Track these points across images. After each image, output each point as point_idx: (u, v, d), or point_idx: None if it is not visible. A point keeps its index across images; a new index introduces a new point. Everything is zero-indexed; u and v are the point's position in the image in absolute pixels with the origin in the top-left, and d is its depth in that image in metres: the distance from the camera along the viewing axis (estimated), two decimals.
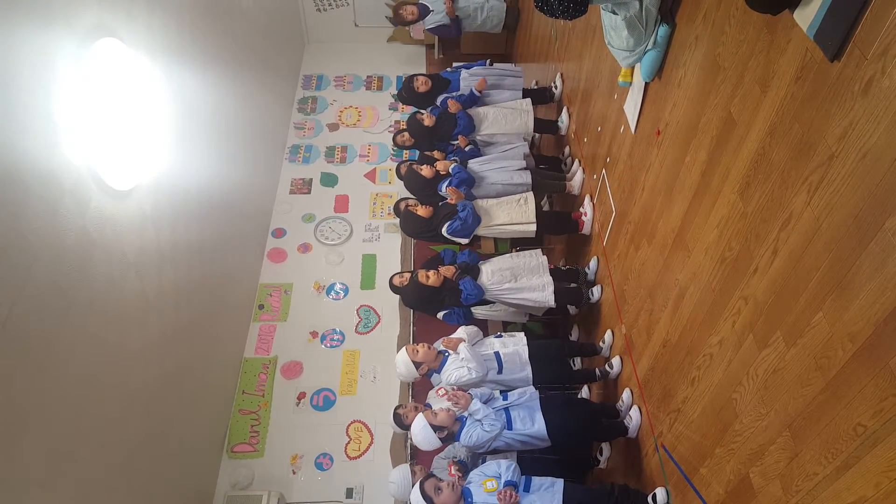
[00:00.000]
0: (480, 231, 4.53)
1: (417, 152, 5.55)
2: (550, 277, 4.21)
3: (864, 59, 1.74)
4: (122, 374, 3.52)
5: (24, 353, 2.67)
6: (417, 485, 3.21)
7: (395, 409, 3.94)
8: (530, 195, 4.56)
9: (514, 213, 4.49)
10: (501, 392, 3.67)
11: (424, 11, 6.45)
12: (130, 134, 3.57)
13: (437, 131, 5.13)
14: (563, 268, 4.58)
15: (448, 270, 4.26)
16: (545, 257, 4.37)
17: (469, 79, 5.36)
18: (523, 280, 4.20)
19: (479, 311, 4.50)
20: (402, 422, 3.85)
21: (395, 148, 5.71)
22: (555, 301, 4.17)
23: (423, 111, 5.27)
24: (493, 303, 4.34)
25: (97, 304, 3.23)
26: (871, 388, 1.76)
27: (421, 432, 3.45)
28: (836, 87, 1.87)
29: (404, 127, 5.50)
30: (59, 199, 2.88)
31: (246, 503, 4.73)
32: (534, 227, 4.46)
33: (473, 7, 6.58)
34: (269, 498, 4.69)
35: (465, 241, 4.55)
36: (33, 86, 2.70)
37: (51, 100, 2.81)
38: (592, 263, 4.36)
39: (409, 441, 5.06)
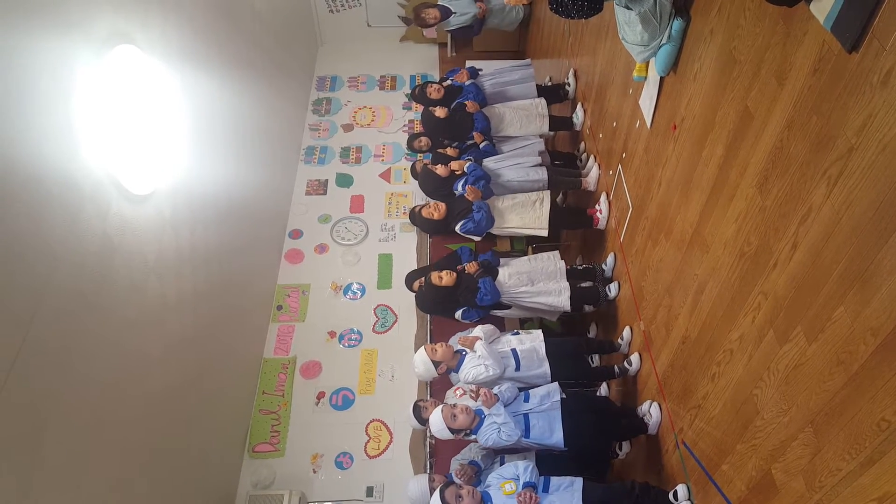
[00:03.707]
0: (493, 230, 4.55)
1: (431, 155, 5.56)
2: (567, 283, 4.21)
3: (883, 50, 1.72)
4: (144, 377, 3.56)
5: (47, 357, 2.71)
6: (437, 492, 3.22)
7: (416, 401, 3.96)
8: (546, 196, 4.55)
9: (527, 217, 4.49)
10: (521, 390, 3.67)
11: (446, 14, 6.42)
12: (148, 139, 3.61)
13: (451, 125, 5.13)
14: (578, 267, 4.57)
15: (471, 266, 4.29)
16: (563, 262, 4.37)
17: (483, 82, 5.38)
18: (540, 284, 4.21)
19: (496, 311, 4.50)
20: (420, 414, 3.87)
21: (410, 151, 5.72)
22: (571, 305, 4.17)
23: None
24: (509, 307, 4.34)
25: (118, 308, 3.27)
26: (894, 382, 1.73)
27: (440, 432, 3.47)
28: (855, 78, 1.85)
29: (419, 131, 5.51)
30: (80, 204, 2.92)
31: (268, 502, 4.77)
32: (545, 233, 4.50)
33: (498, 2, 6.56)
34: (290, 497, 4.72)
35: (477, 238, 4.58)
36: (53, 93, 2.74)
37: (70, 107, 2.85)
38: (609, 260, 4.34)
39: (427, 440, 5.07)
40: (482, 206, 4.41)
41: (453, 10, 6.40)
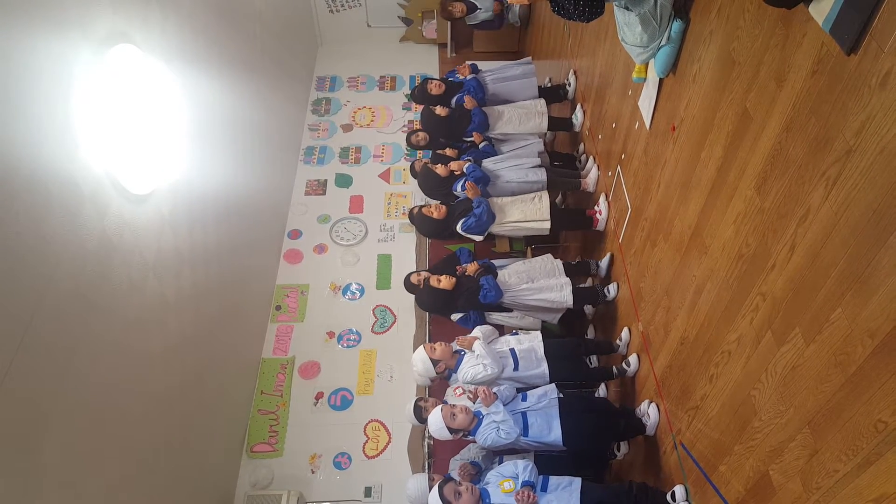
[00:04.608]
0: (494, 228, 4.53)
1: (431, 152, 5.57)
2: (567, 279, 4.21)
3: (882, 52, 1.72)
4: (143, 377, 3.56)
5: (47, 356, 2.71)
6: (436, 488, 3.22)
7: (417, 400, 3.96)
8: (545, 193, 4.56)
9: (528, 210, 4.49)
10: (519, 391, 3.67)
11: (472, 8, 6.52)
12: (147, 138, 3.61)
13: (451, 123, 5.13)
14: (573, 263, 4.57)
15: (472, 267, 4.28)
16: (559, 260, 4.38)
17: (485, 77, 5.39)
18: (541, 281, 4.21)
19: (494, 317, 4.48)
20: (420, 414, 3.87)
21: (409, 148, 5.72)
22: (573, 301, 4.17)
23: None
24: (510, 310, 4.34)
25: (118, 308, 3.27)
26: (891, 384, 1.74)
27: (438, 432, 3.47)
28: (853, 80, 1.85)
29: (418, 127, 5.51)
30: (80, 204, 2.91)
31: (266, 503, 4.77)
32: (548, 225, 4.46)
33: None
34: (288, 497, 4.72)
35: (479, 238, 4.56)
36: (52, 93, 2.74)
37: (69, 107, 2.84)
38: (605, 259, 4.36)
39: (426, 440, 5.07)
40: (482, 201, 4.41)
41: (479, 6, 6.48)
